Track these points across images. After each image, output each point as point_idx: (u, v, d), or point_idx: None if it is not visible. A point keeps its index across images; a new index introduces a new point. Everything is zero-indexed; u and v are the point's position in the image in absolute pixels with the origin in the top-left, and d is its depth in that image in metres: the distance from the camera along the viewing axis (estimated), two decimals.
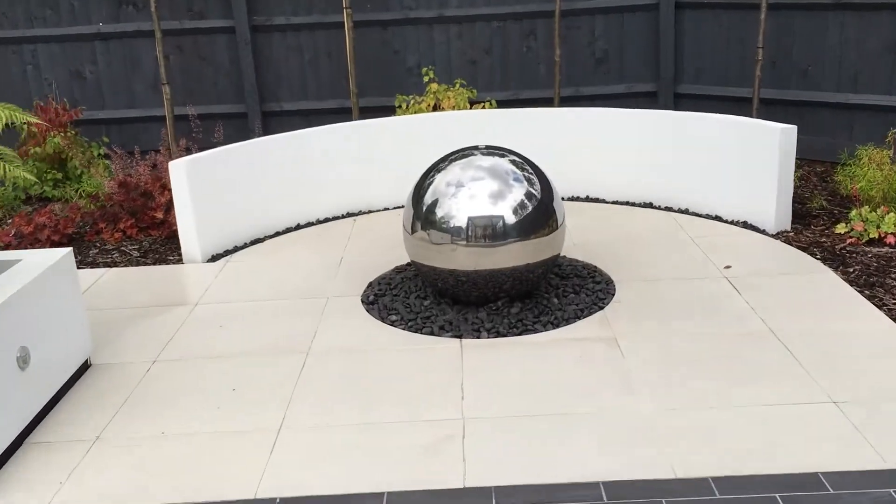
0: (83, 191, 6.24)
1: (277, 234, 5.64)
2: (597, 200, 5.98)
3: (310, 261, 5.12)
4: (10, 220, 5.87)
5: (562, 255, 4.96)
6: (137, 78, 7.06)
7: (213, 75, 7.07)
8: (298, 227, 5.74)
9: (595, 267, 4.74)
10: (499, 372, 3.62)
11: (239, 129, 7.14)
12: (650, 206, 5.80)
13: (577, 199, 6.03)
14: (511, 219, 4.08)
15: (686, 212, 5.64)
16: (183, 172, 5.04)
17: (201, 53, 7.04)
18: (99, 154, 6.74)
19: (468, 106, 6.63)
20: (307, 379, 3.65)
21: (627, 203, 5.88)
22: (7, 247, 5.50)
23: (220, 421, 3.34)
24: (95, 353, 4.00)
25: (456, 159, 4.32)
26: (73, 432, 3.31)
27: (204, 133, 6.83)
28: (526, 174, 4.23)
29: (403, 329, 4.10)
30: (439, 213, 4.17)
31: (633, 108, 5.77)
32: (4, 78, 7.01)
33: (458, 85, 6.74)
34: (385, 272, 4.83)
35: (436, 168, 4.35)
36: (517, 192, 4.14)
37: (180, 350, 4.00)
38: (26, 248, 5.49)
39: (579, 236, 5.25)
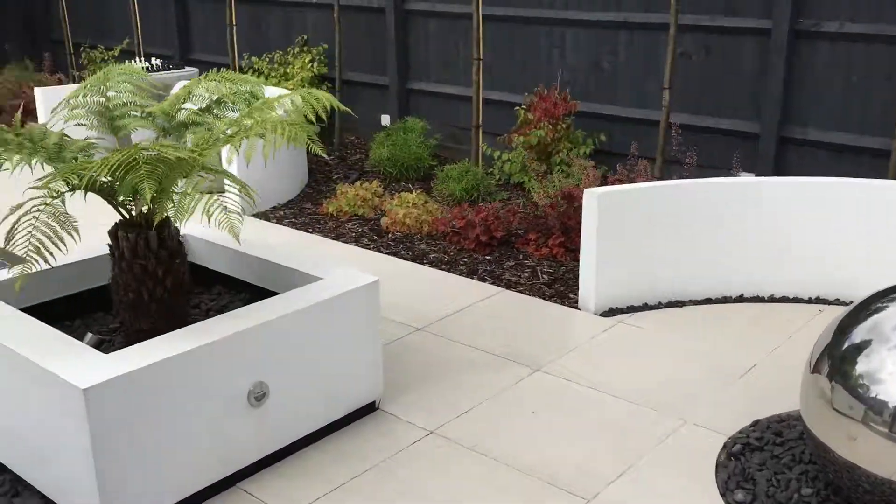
0: (540, 191, 5.81)
1: (704, 301, 4.46)
2: None
3: (712, 353, 3.91)
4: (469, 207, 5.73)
5: None
6: (652, 75, 6.28)
7: (731, 83, 5.92)
8: (732, 299, 4.46)
9: None
10: None
11: (747, 152, 5.91)
12: None
13: None
14: None
15: None
16: (594, 204, 4.22)
17: (725, 56, 5.93)
18: (586, 153, 6.22)
19: None
20: None
21: None
22: (444, 237, 5.38)
23: None
24: (394, 398, 3.55)
25: None
26: (293, 492, 2.92)
27: (703, 149, 5.79)
28: None
29: None
30: (863, 366, 2.68)
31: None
32: (532, 58, 6.90)
33: None
34: (794, 409, 3.41)
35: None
36: None
37: (471, 429, 3.32)
38: (454, 243, 5.30)
39: None
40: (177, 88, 7.07)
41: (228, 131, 2.91)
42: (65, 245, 2.67)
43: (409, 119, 7.31)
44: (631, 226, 4.31)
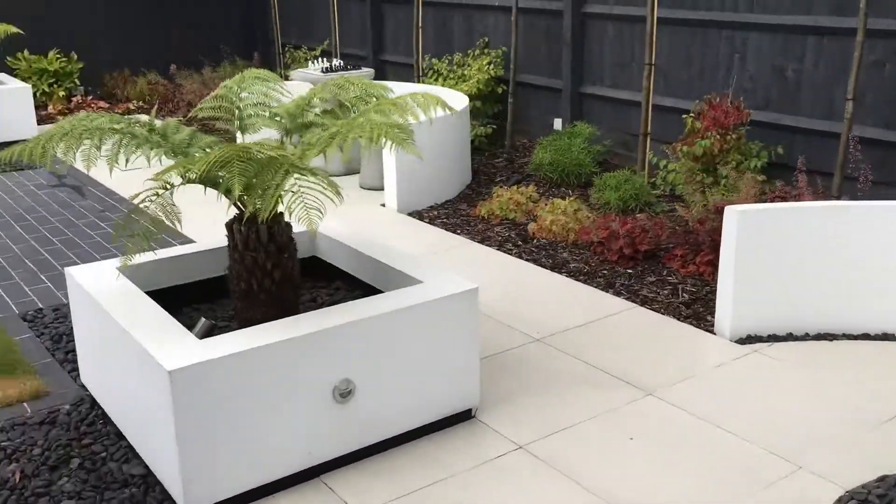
0: (699, 204, 5.49)
1: (860, 336, 4.03)
2: None
3: (853, 395, 3.53)
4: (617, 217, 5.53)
5: None
6: (842, 85, 5.74)
7: None
8: (895, 338, 4.01)
9: None
10: None
11: None
12: None
13: None
14: None
15: None
16: (734, 222, 3.93)
17: None
18: (757, 166, 5.80)
19: None
20: None
21: None
22: (588, 247, 5.23)
23: None
24: (493, 407, 3.50)
25: None
26: (367, 492, 2.97)
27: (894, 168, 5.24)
28: None
29: None
30: None
31: None
32: (710, 64, 6.53)
33: None
34: None
35: None
36: None
37: (562, 448, 3.21)
38: (598, 254, 5.13)
39: None
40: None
41: (332, 133, 2.99)
42: (164, 232, 2.86)
43: (577, 124, 7.18)
44: (777, 247, 3.98)
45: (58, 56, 10.36)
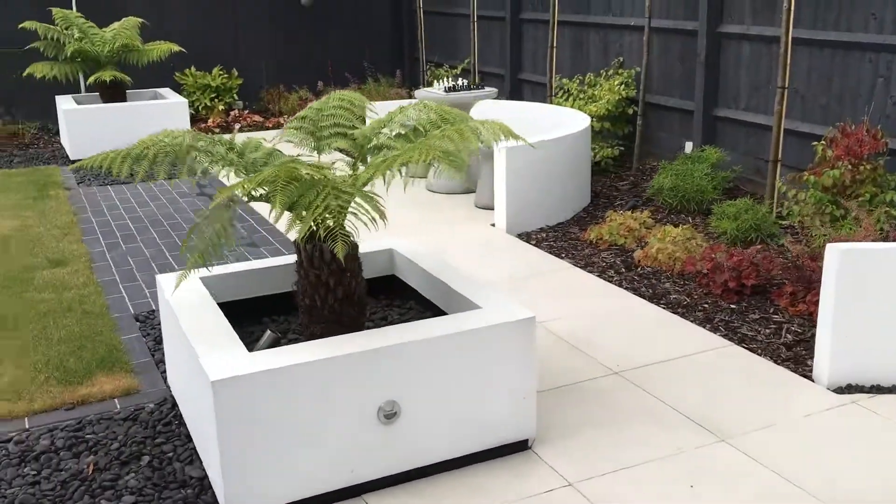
0: (821, 239, 5.11)
1: None
2: None
3: None
4: (723, 249, 5.24)
5: None
6: None
7: None
8: None
9: None
10: None
11: None
12: None
13: None
14: None
15: None
16: (835, 260, 3.64)
17: None
18: (893, 200, 5.34)
19: None
20: None
21: None
22: (694, 278, 4.99)
23: None
24: (553, 439, 3.41)
25: None
26: None
27: None
28: None
29: None
30: None
31: None
32: (851, 88, 6.07)
33: None
34: None
35: None
36: None
37: (615, 490, 3.08)
38: (702, 286, 4.89)
39: None
40: (475, 108, 7.46)
41: (387, 157, 3.03)
42: (223, 250, 2.98)
43: (706, 148, 6.89)
44: (885, 291, 3.65)
45: (220, 72, 11.06)
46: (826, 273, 3.70)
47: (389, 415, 3.05)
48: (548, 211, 6.24)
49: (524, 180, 6.05)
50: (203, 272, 3.72)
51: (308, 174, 2.82)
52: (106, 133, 8.50)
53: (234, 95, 11.13)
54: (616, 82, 7.86)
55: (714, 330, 4.38)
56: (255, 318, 3.75)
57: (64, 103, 8.81)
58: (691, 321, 4.49)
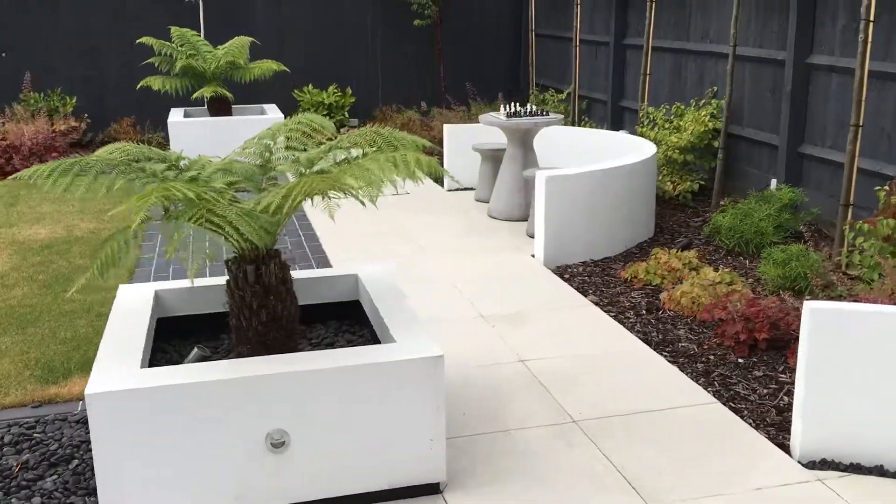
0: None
1: None
2: None
3: None
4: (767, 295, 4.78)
5: None
6: None
7: None
8: None
9: None
10: None
11: None
12: None
13: None
14: None
15: None
16: (807, 323, 3.23)
17: None
18: None
19: None
20: None
21: None
22: (712, 326, 4.59)
23: None
24: (470, 487, 3.22)
25: None
26: None
27: None
28: None
29: None
30: None
31: None
32: None
33: None
34: None
35: None
36: None
37: None
38: (718, 335, 4.49)
39: None
40: (538, 135, 7.27)
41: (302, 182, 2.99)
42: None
43: (783, 187, 6.37)
44: (868, 358, 3.21)
45: (335, 90, 11.42)
46: (802, 333, 3.30)
47: (277, 444, 2.99)
48: (592, 244, 5.96)
49: (566, 211, 5.81)
50: (159, 286, 3.81)
51: (180, 193, 2.83)
52: (205, 144, 8.96)
53: (346, 113, 11.44)
54: (704, 112, 7.42)
55: (707, 385, 4.01)
56: (212, 334, 3.80)
57: (173, 115, 9.38)
58: (687, 373, 4.13)
